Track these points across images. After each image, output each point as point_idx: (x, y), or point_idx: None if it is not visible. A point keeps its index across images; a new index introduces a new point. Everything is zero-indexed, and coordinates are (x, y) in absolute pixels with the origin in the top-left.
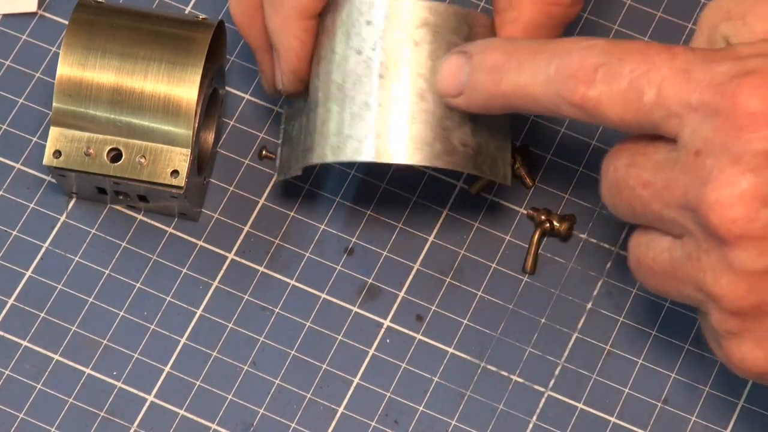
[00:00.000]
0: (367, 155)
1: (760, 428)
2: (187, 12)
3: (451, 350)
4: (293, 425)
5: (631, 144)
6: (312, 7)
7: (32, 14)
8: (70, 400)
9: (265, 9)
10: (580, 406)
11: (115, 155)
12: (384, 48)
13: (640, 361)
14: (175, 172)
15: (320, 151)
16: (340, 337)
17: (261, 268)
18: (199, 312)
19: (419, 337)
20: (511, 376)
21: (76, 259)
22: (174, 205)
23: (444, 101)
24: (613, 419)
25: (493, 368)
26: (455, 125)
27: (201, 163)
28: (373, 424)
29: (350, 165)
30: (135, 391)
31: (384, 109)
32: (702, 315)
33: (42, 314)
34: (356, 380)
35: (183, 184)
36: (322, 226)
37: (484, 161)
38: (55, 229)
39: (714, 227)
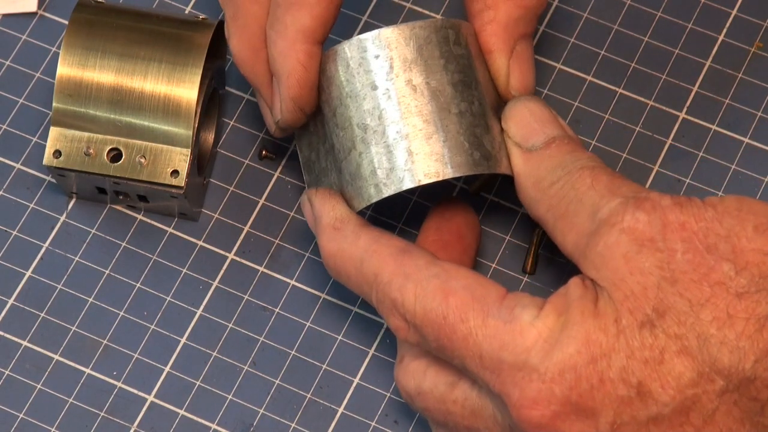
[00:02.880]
0: (413, 181)
1: None
2: (187, 12)
3: None
4: (293, 425)
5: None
6: (317, 30)
7: (32, 14)
8: (70, 400)
9: (268, 35)
10: None
11: (115, 155)
12: (398, 75)
13: None
14: (175, 172)
15: (366, 194)
16: (340, 337)
17: (261, 268)
18: (199, 312)
19: None
20: None
21: (76, 259)
22: (174, 205)
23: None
24: None
25: None
26: (483, 131)
27: (201, 163)
28: (373, 424)
29: None
30: (135, 391)
31: (416, 131)
32: None
33: (42, 314)
34: (356, 380)
35: (183, 184)
36: None
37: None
38: (55, 229)
39: None
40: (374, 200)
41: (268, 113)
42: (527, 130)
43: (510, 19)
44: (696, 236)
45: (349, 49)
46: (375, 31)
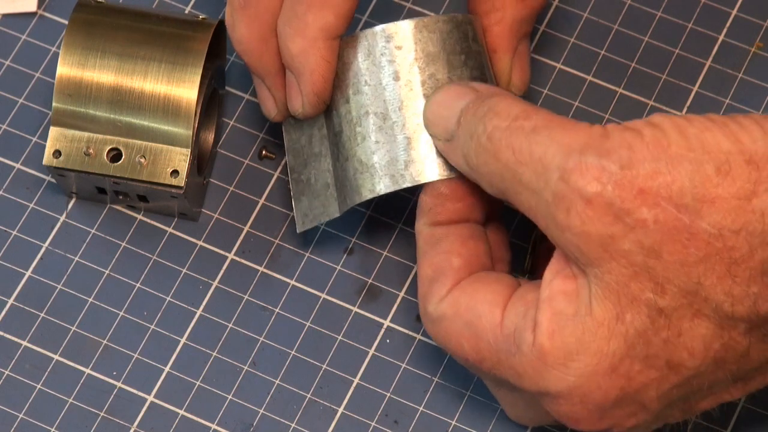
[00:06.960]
0: (432, 174)
1: (761, 428)
2: (187, 12)
3: None
4: (293, 425)
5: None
6: (338, 27)
7: (32, 14)
8: (70, 400)
9: (283, 32)
10: None
11: (115, 155)
12: (420, 67)
13: None
14: (175, 172)
15: (380, 184)
16: (340, 337)
17: (261, 268)
18: (199, 312)
19: (419, 337)
20: None
21: (76, 259)
22: (174, 205)
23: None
24: None
25: None
26: None
27: (201, 163)
28: (373, 424)
29: None
30: (135, 391)
31: None
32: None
33: (42, 314)
34: (356, 380)
35: (183, 184)
36: (322, 226)
37: None
38: (55, 229)
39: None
40: (389, 191)
41: (270, 101)
42: (441, 122)
43: (515, 21)
44: (659, 196)
45: (372, 38)
46: (399, 22)
